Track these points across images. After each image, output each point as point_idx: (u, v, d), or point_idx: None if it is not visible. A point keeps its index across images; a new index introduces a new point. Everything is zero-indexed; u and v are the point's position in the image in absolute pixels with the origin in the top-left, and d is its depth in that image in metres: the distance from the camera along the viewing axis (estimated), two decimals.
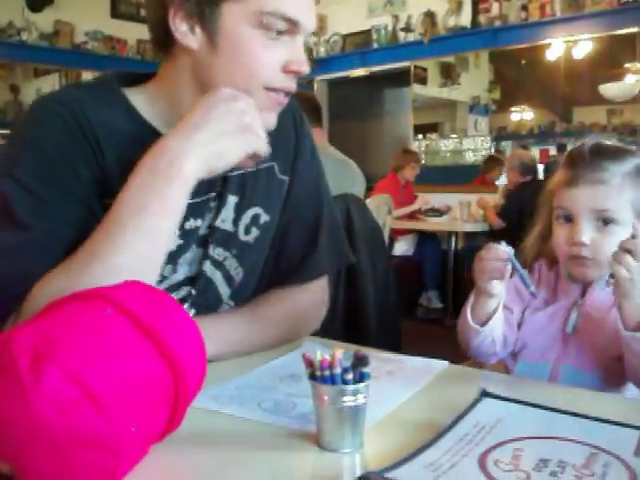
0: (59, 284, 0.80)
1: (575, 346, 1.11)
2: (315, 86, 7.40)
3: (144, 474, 0.61)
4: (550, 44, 5.90)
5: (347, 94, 7.66)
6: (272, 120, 0.99)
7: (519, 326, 1.17)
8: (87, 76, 7.18)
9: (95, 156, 0.92)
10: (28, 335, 0.58)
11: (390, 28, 6.88)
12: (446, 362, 1.00)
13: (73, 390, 0.55)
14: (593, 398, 0.90)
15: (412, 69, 6.81)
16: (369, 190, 4.81)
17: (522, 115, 6.59)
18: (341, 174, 2.76)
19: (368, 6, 7.03)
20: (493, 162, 6.16)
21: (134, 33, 7.03)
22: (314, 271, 1.15)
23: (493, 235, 4.85)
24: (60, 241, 0.87)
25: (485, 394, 0.79)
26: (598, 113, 6.09)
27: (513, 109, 6.60)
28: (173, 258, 0.99)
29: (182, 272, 1.02)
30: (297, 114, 1.17)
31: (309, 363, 0.68)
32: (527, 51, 6.15)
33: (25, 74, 7.19)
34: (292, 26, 0.93)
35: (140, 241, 0.83)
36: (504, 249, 1.01)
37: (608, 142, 1.18)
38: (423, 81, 6.94)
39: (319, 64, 6.94)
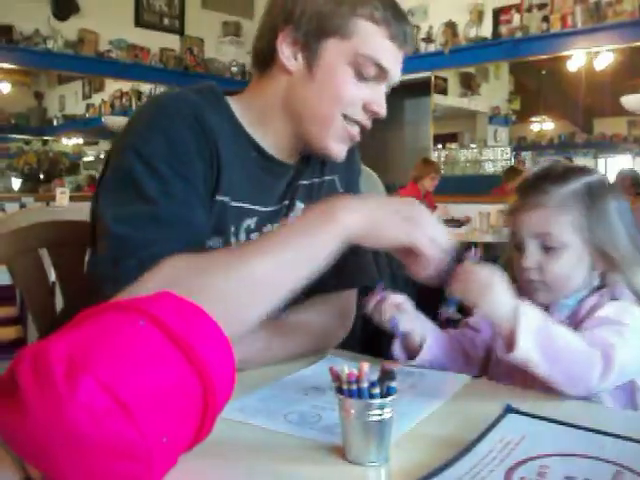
0: (189, 272, 0.86)
1: None
2: None
3: None
4: (571, 55, 5.89)
5: None
6: (342, 152, 1.09)
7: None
8: (110, 84, 7.28)
9: (212, 154, 0.99)
10: (64, 344, 0.59)
11: None
12: (468, 376, 1.01)
13: (106, 400, 0.56)
14: (617, 416, 0.90)
15: (432, 79, 6.81)
16: None
17: (542, 126, 6.57)
18: (362, 184, 2.76)
19: None
20: (514, 172, 6.12)
21: (157, 42, 7.12)
22: (344, 282, 1.18)
23: None
24: (181, 220, 0.92)
25: (510, 410, 0.80)
26: (619, 124, 6.07)
27: (533, 119, 6.59)
28: None
29: None
30: None
31: (336, 377, 0.68)
32: (548, 62, 6.14)
33: (49, 81, 7.29)
34: (381, 72, 1.04)
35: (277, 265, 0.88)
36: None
37: (561, 164, 1.19)
38: (443, 91, 6.95)
39: None
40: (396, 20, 1.03)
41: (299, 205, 1.14)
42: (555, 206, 1.08)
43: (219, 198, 1.00)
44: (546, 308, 1.13)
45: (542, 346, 0.90)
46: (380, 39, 1.02)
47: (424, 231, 0.92)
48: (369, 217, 0.90)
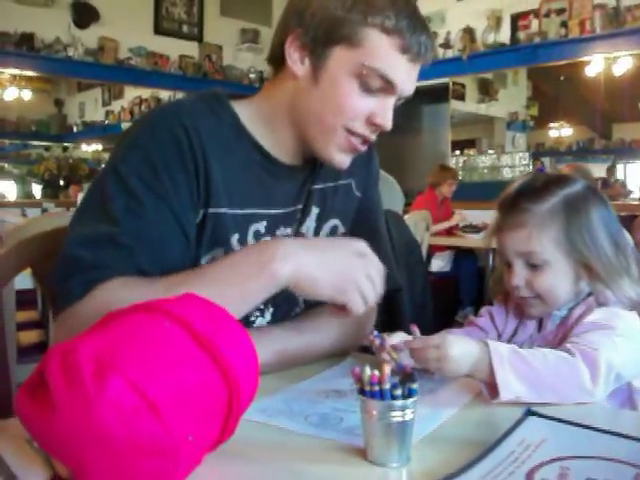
0: (135, 293, 0.84)
1: None
2: None
3: None
4: (590, 60, 5.86)
5: None
6: (345, 161, 1.06)
7: None
8: (129, 91, 7.35)
9: (198, 167, 0.98)
10: (92, 344, 0.60)
11: None
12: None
13: (134, 399, 0.57)
14: (637, 419, 0.89)
15: (450, 85, 6.81)
16: (407, 205, 4.80)
17: (560, 132, 6.55)
18: (381, 189, 2.77)
19: None
20: None
21: (176, 49, 7.17)
22: None
23: None
24: (143, 240, 0.93)
25: (530, 413, 0.80)
26: (638, 129, 6.02)
27: (551, 125, 6.57)
28: None
29: None
30: None
31: (358, 378, 0.69)
32: (566, 67, 6.11)
33: (69, 88, 7.39)
34: (387, 85, 1.00)
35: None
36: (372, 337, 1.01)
37: (542, 175, 1.17)
38: (461, 97, 6.93)
39: None
40: (411, 31, 0.97)
41: (314, 210, 1.13)
42: (535, 224, 1.09)
43: (212, 211, 1.00)
44: (540, 321, 1.16)
45: (521, 376, 0.87)
46: (390, 51, 0.98)
47: (359, 287, 0.92)
48: (304, 271, 0.90)
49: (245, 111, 1.07)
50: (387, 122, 1.02)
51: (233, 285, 0.89)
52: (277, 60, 1.06)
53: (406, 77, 1.01)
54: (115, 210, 0.93)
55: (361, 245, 0.95)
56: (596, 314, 1.05)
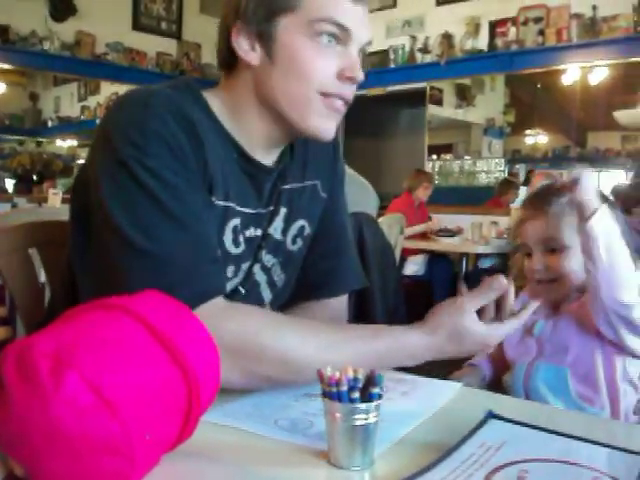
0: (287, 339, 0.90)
1: (545, 346, 1.26)
2: None
3: None
4: (566, 69, 5.93)
5: (363, 112, 7.68)
6: (330, 130, 1.04)
7: None
8: (106, 87, 7.28)
9: (200, 153, 0.96)
10: (49, 341, 0.60)
11: (408, 49, 6.93)
12: (459, 384, 1.01)
13: (90, 396, 0.56)
14: (599, 423, 0.90)
15: (428, 90, 6.85)
16: (383, 209, 4.82)
17: (536, 139, 6.61)
18: (355, 192, 2.77)
19: (386, 27, 7.08)
20: (508, 185, 6.16)
21: (154, 45, 7.13)
22: (335, 288, 1.19)
23: None
24: (201, 242, 0.92)
25: (491, 415, 0.80)
26: (612, 139, 6.11)
27: (527, 132, 6.62)
28: (237, 262, 1.05)
29: (240, 277, 1.07)
30: (335, 138, 1.22)
31: (322, 379, 0.69)
32: (543, 75, 6.18)
33: (45, 82, 7.29)
34: (344, 33, 0.98)
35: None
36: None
37: (559, 182, 1.26)
38: (439, 102, 6.97)
39: None
40: None
41: (283, 210, 1.11)
42: (554, 213, 1.25)
43: (215, 200, 0.98)
44: (556, 304, 1.29)
45: (611, 232, 1.10)
46: None
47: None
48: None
49: (216, 104, 1.04)
50: (357, 73, 1.00)
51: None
52: (228, 61, 1.04)
53: (356, 20, 0.99)
54: (174, 210, 0.90)
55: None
56: None
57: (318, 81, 0.98)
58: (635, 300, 1.10)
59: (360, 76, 1.00)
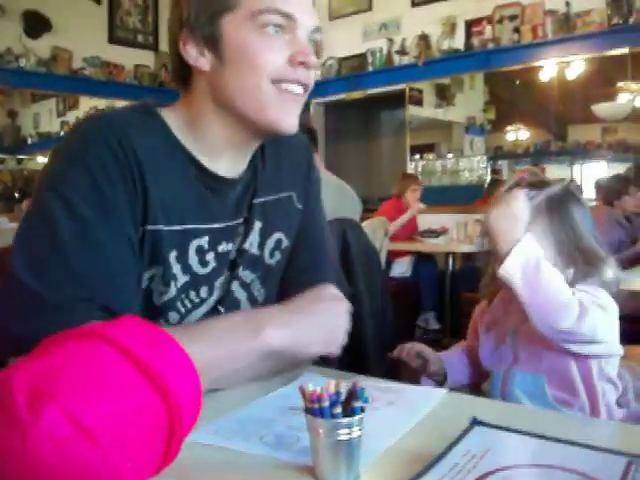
0: None
1: (519, 354, 1.25)
2: (311, 109, 7.45)
3: None
4: (543, 65, 5.97)
5: (343, 117, 7.70)
6: (291, 121, 1.03)
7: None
8: (85, 101, 7.25)
9: (135, 181, 0.95)
10: (26, 373, 0.59)
11: (385, 51, 6.94)
12: (444, 390, 1.01)
13: (69, 428, 0.56)
14: (583, 424, 0.91)
15: (407, 91, 6.87)
16: (371, 212, 4.83)
17: (517, 134, 6.63)
18: (337, 199, 2.78)
19: (363, 30, 7.11)
20: (497, 184, 6.16)
21: (131, 59, 7.11)
22: (311, 280, 1.16)
23: None
24: (101, 272, 0.91)
25: (476, 422, 0.80)
26: (593, 131, 6.14)
27: (508, 129, 6.64)
28: (210, 280, 1.05)
29: (217, 294, 1.07)
30: (308, 147, 1.25)
31: (303, 395, 0.69)
32: (521, 72, 6.21)
33: (23, 99, 7.24)
34: (288, 21, 0.98)
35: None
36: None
37: (523, 183, 1.29)
38: (419, 102, 6.99)
39: (315, 87, 6.96)
40: None
41: (257, 224, 1.11)
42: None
43: (149, 228, 0.97)
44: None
45: (526, 273, 1.10)
46: None
47: (344, 331, 1.03)
48: (298, 336, 0.97)
49: (175, 121, 1.04)
50: (308, 57, 0.99)
51: (226, 346, 0.92)
52: (180, 74, 1.05)
53: (299, 6, 1.00)
54: (66, 238, 0.89)
55: (332, 289, 1.04)
56: (581, 290, 1.16)
57: (269, 71, 0.98)
58: (573, 324, 1.08)
59: (313, 60, 1.00)
